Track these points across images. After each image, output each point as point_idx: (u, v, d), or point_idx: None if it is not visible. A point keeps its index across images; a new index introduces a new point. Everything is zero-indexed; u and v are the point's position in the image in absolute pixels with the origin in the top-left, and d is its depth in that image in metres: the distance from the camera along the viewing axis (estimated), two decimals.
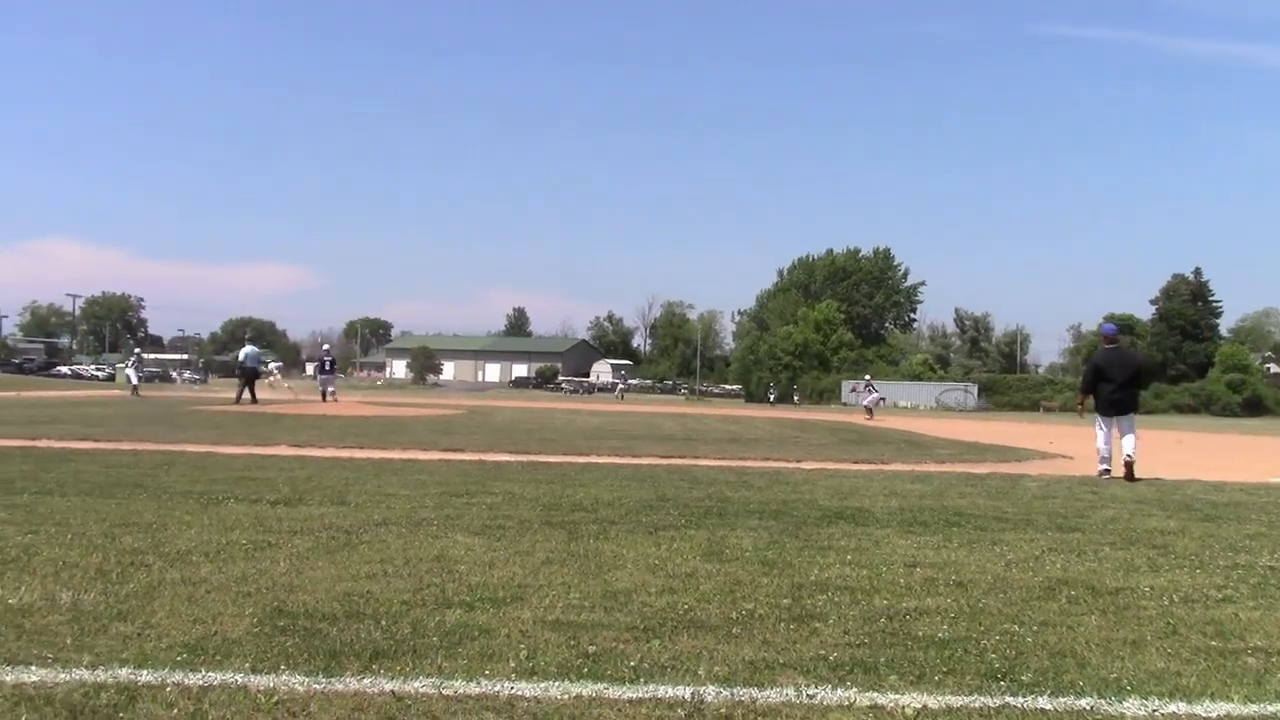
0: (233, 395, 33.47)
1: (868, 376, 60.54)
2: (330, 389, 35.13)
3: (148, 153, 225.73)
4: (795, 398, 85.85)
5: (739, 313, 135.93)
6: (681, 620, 4.91)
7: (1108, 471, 13.62)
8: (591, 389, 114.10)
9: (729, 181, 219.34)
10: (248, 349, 34.76)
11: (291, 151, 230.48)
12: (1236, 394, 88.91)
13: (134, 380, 43.34)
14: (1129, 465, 13.41)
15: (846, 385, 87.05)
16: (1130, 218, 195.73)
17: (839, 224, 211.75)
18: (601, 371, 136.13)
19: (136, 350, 53.82)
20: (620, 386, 78.44)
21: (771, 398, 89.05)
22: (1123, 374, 13.98)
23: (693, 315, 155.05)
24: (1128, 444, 13.62)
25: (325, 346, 42.62)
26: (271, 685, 3.76)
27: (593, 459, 14.47)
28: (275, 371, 45.74)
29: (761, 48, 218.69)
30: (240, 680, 3.81)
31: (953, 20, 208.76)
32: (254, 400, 31.57)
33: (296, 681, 3.82)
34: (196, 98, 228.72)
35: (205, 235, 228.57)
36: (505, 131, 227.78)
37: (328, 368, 36.53)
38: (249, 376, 32.79)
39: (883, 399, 58.03)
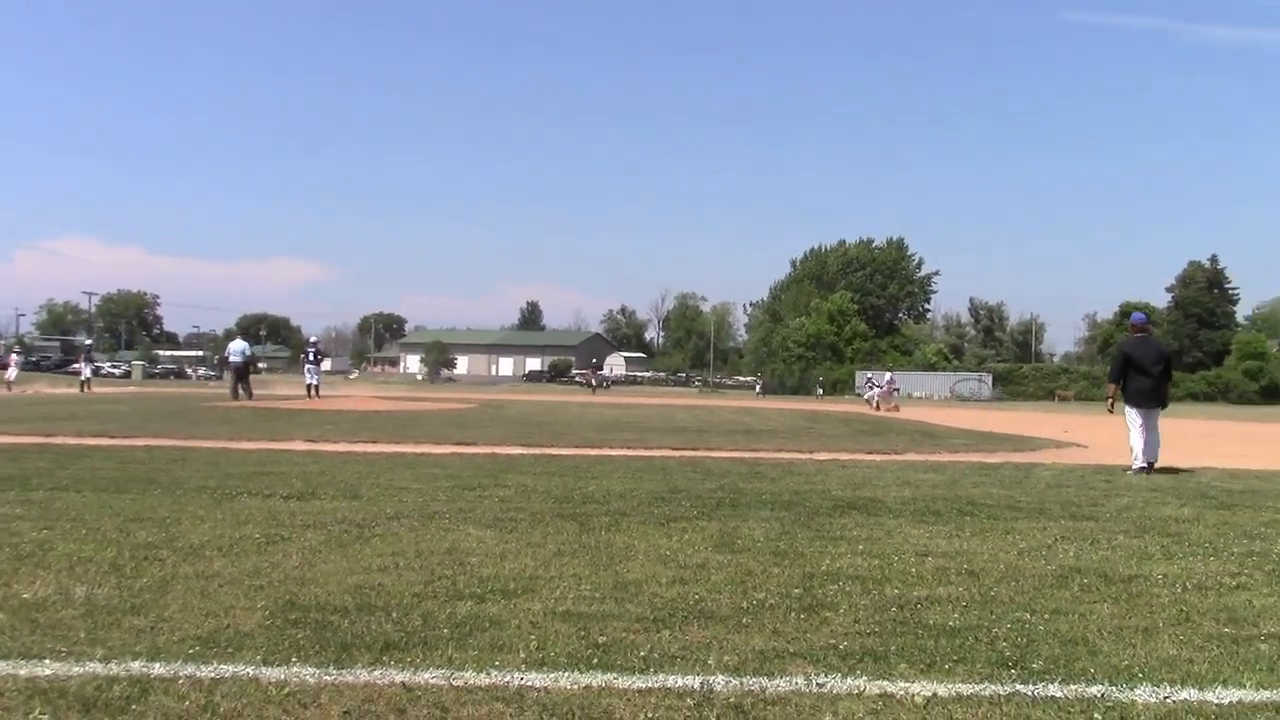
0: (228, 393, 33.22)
1: (869, 374, 60.12)
2: (315, 381, 34.70)
3: (163, 149, 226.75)
4: (819, 390, 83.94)
5: (751, 304, 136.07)
6: (692, 610, 4.92)
7: (1145, 468, 12.85)
8: (604, 382, 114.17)
9: (741, 173, 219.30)
10: (232, 345, 34.58)
11: (305, 146, 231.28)
12: (1254, 381, 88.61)
13: (85, 375, 43.47)
14: (1152, 465, 12.92)
15: (860, 376, 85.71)
16: (1146, 205, 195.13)
17: (852, 215, 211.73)
18: (615, 364, 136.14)
19: (88, 344, 53.99)
20: (594, 381, 76.91)
21: (757, 389, 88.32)
22: (1154, 364, 13.43)
23: (705, 308, 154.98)
24: (1151, 444, 13.06)
25: (313, 339, 42.10)
26: (283, 677, 3.78)
27: (605, 451, 14.49)
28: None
29: (774, 37, 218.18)
30: (252, 672, 3.83)
31: (969, 8, 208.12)
32: (250, 395, 31.45)
33: (307, 673, 3.83)
34: (209, 93, 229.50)
35: (220, 231, 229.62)
36: (517, 123, 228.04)
37: (313, 358, 35.99)
38: (238, 372, 32.70)
39: (897, 389, 57.41)
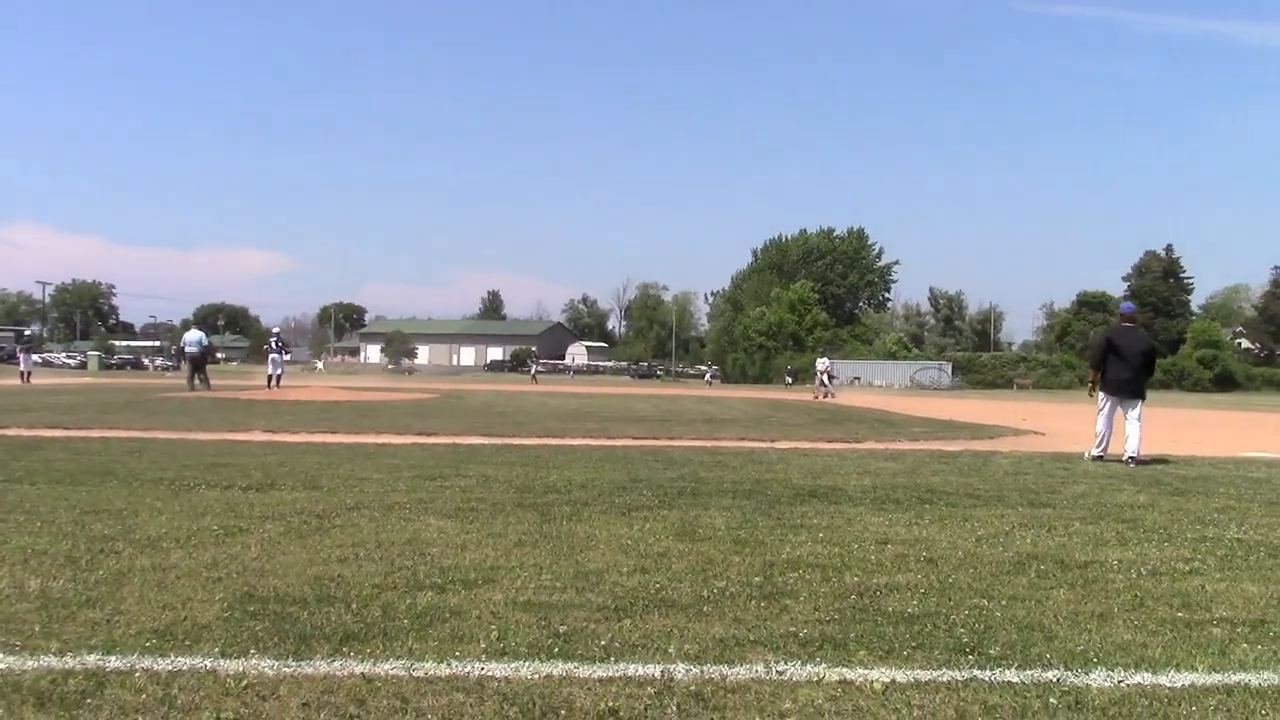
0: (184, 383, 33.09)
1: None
2: (277, 372, 34.72)
3: (120, 137, 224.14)
4: (789, 379, 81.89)
5: (712, 294, 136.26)
6: (653, 599, 4.92)
7: (1102, 457, 12.80)
8: (568, 370, 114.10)
9: (703, 163, 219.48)
10: (188, 335, 34.50)
11: (265, 135, 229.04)
12: (1208, 369, 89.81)
13: (23, 367, 43.48)
14: (1135, 460, 12.44)
15: (819, 365, 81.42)
16: (1103, 195, 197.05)
17: (813, 204, 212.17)
18: (577, 354, 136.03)
19: (27, 336, 53.65)
20: (535, 369, 75.63)
21: (707, 378, 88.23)
22: (1137, 355, 13.17)
23: (667, 297, 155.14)
24: (1133, 438, 12.68)
25: (275, 330, 42.64)
26: (241, 669, 3.76)
27: (567, 441, 14.47)
28: None
29: (734, 30, 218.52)
30: (209, 665, 3.80)
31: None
32: (207, 385, 31.26)
33: (266, 665, 3.81)
34: (169, 81, 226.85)
35: (178, 220, 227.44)
36: (480, 114, 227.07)
37: (275, 347, 36.12)
38: (194, 362, 32.51)
39: (842, 380, 53.88)
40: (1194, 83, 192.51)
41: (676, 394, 45.73)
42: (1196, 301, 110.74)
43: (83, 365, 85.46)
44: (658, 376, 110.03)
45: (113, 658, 3.86)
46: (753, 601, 4.93)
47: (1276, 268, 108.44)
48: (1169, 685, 3.83)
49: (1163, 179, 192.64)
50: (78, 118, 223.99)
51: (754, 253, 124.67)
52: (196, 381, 31.34)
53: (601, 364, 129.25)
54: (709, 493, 8.87)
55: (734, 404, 32.23)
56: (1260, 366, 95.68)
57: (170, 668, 3.76)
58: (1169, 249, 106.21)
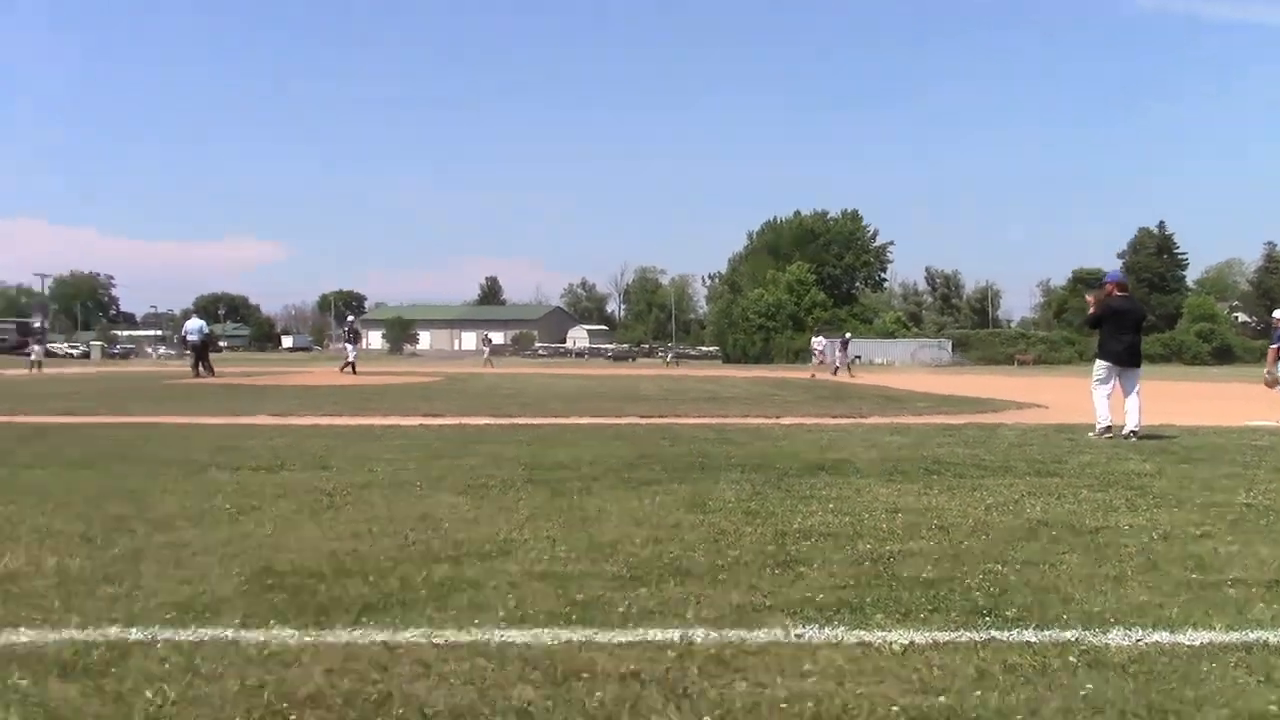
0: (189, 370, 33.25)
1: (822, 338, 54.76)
2: (353, 358, 36.90)
3: (115, 131, 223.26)
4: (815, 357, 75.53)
5: (709, 277, 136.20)
6: (668, 569, 4.94)
7: (1109, 430, 12.08)
8: (569, 354, 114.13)
9: (699, 147, 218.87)
10: (189, 323, 34.80)
11: (259, 124, 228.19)
12: (1206, 343, 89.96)
13: (35, 356, 43.82)
14: (1138, 435, 11.90)
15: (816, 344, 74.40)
16: (1097, 172, 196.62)
17: (808, 187, 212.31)
18: (578, 337, 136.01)
19: (38, 327, 54.01)
20: (487, 353, 62.82)
21: (669, 358, 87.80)
22: (1136, 320, 13.02)
23: (665, 280, 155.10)
24: (1134, 412, 12.16)
25: (350, 319, 45.49)
26: (262, 639, 3.77)
27: (573, 420, 14.49)
28: None
29: (729, 17, 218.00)
30: (230, 635, 3.82)
31: None
32: (211, 372, 31.31)
33: (287, 635, 3.83)
34: (160, 73, 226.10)
35: (177, 212, 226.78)
36: (479, 100, 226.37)
37: (350, 336, 39.76)
38: (196, 350, 32.61)
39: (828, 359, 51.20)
40: (1184, 60, 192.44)
41: (680, 374, 45.69)
42: (1191, 277, 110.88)
43: (86, 355, 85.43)
44: (632, 359, 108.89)
45: (134, 630, 3.88)
46: (767, 569, 4.95)
47: (1269, 243, 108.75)
48: (1188, 643, 3.85)
49: (1157, 155, 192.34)
50: (70, 111, 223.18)
51: (749, 235, 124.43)
52: (200, 369, 31.35)
53: (604, 346, 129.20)
54: (717, 467, 8.89)
55: (737, 383, 32.24)
56: (1257, 339, 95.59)
57: (192, 638, 3.78)
58: (1161, 225, 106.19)
